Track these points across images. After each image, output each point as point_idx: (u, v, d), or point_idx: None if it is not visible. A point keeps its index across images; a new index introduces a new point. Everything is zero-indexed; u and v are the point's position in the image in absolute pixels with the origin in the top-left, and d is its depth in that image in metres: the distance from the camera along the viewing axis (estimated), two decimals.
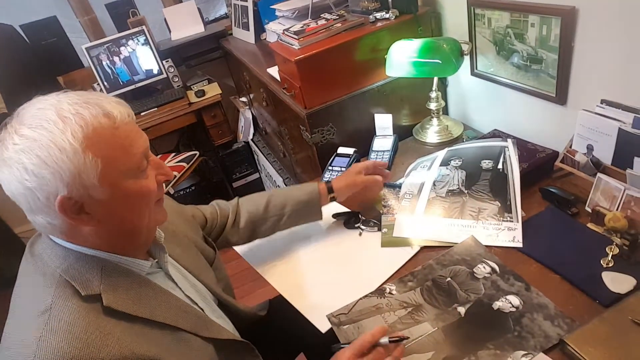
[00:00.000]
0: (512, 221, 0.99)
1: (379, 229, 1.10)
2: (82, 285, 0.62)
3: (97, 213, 0.62)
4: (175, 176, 2.34)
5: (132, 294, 0.67)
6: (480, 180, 1.09)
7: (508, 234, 0.97)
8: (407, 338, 0.76)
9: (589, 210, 0.97)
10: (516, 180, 1.04)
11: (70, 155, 0.57)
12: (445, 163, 1.18)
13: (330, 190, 1.07)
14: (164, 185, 0.73)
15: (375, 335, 0.73)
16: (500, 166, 1.09)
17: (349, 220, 1.14)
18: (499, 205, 1.03)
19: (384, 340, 0.73)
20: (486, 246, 0.97)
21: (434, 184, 1.13)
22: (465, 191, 1.08)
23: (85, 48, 2.32)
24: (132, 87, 2.44)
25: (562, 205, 1.01)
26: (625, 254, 0.86)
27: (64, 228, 0.62)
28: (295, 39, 1.32)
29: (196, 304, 0.80)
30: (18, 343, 0.59)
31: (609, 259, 0.85)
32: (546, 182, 1.10)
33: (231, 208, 1.06)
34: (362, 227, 1.12)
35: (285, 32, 1.39)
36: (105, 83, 2.39)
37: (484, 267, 0.92)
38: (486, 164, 1.12)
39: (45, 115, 0.58)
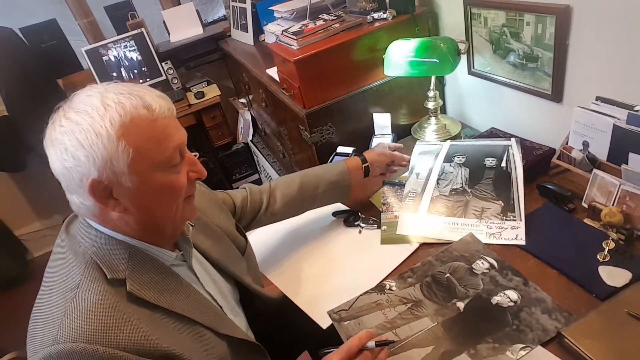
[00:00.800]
0: (515, 220, 1.00)
1: (379, 227, 1.11)
2: (109, 269, 0.65)
3: (124, 200, 0.64)
4: None
5: (155, 282, 0.69)
6: (483, 179, 1.10)
7: (511, 232, 0.98)
8: (393, 342, 0.77)
9: (586, 205, 0.98)
10: (519, 179, 1.06)
11: (104, 141, 0.60)
12: (448, 160, 1.19)
13: (363, 160, 1.12)
14: (196, 183, 0.74)
15: (362, 339, 0.74)
16: (503, 164, 1.11)
17: (348, 218, 1.15)
18: (502, 204, 1.04)
19: (371, 344, 0.74)
20: (487, 244, 0.98)
21: (437, 183, 1.14)
22: (469, 190, 1.09)
23: (85, 51, 2.33)
24: None
25: (559, 202, 1.02)
26: (621, 248, 0.87)
27: (94, 211, 0.65)
28: (294, 39, 1.33)
29: (215, 300, 0.81)
30: (45, 317, 0.62)
31: (605, 253, 0.87)
32: (543, 178, 1.11)
33: (265, 193, 1.07)
34: (362, 224, 1.13)
35: (284, 33, 1.40)
36: None
37: (482, 263, 0.93)
38: (490, 161, 1.13)
39: (91, 101, 0.62)
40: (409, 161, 1.21)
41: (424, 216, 1.08)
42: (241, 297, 0.92)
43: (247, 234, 1.13)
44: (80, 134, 0.59)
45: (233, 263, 0.88)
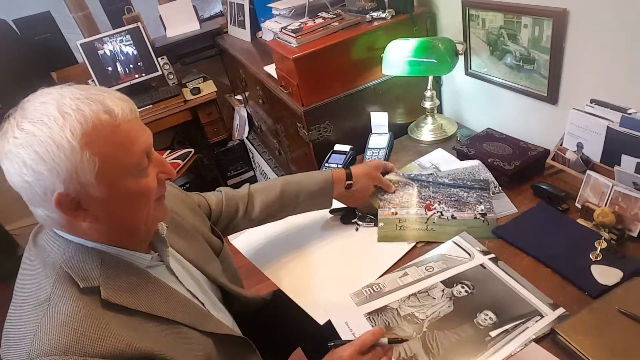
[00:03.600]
0: None
1: (376, 225, 1.12)
2: (81, 278, 0.63)
3: (95, 210, 0.62)
4: None
5: (131, 287, 0.67)
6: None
7: None
8: (407, 340, 0.79)
9: (579, 206, 1.00)
10: None
11: (67, 153, 0.56)
12: (450, 283, 0.91)
13: (349, 176, 1.07)
14: (165, 183, 0.72)
15: (375, 334, 0.75)
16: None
17: (346, 216, 1.16)
18: None
19: (383, 340, 0.75)
20: (480, 240, 1.00)
21: (409, 297, 0.91)
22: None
23: (80, 44, 2.30)
24: (127, 83, 2.43)
25: (553, 202, 1.04)
26: (613, 248, 0.89)
27: (62, 222, 0.63)
28: (293, 37, 1.34)
29: (197, 297, 0.81)
30: (17, 332, 0.60)
31: (598, 252, 0.89)
32: (538, 179, 1.13)
33: (241, 199, 1.04)
34: (359, 222, 1.14)
35: (283, 30, 1.40)
36: (100, 80, 2.37)
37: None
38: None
39: (46, 109, 0.58)
40: (395, 191, 1.14)
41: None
42: (224, 294, 0.92)
43: (240, 233, 1.13)
44: (39, 146, 0.56)
45: (207, 263, 0.88)
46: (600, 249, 0.89)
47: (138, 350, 0.62)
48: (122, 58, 2.40)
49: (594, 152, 1.00)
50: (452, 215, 1.08)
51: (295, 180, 1.07)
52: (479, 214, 1.07)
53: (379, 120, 1.43)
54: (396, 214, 1.11)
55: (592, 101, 1.00)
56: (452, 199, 1.11)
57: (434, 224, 1.07)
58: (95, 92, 0.61)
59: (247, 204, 1.04)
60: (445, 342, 0.80)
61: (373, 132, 1.45)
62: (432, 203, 1.11)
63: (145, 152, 0.65)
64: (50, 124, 0.57)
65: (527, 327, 0.79)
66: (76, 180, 0.58)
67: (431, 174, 1.21)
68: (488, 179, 1.14)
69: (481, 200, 1.09)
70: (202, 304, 0.82)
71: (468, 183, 1.14)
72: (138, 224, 0.68)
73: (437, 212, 1.09)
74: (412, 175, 1.18)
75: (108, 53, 2.37)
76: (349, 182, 1.07)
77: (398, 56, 1.29)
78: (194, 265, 0.85)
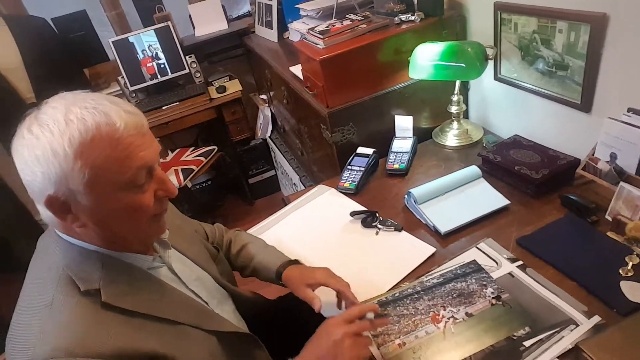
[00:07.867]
0: None
1: (396, 229, 1.11)
2: (82, 281, 0.65)
3: (83, 216, 0.64)
4: (193, 170, 2.38)
5: (131, 289, 0.69)
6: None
7: None
8: (391, 316, 0.85)
9: (609, 218, 0.96)
10: None
11: (60, 160, 0.59)
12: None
13: (279, 274, 0.99)
14: (166, 200, 0.73)
15: (363, 310, 0.79)
16: None
17: (366, 219, 1.16)
18: None
19: (370, 315, 0.80)
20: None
21: None
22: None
23: (112, 42, 2.38)
24: (155, 81, 2.49)
25: (581, 213, 1.01)
26: None
27: (56, 222, 0.66)
28: (320, 38, 1.34)
29: (200, 297, 0.82)
30: (20, 336, 0.61)
31: (629, 268, 0.85)
32: (567, 189, 1.09)
33: (229, 233, 1.11)
34: (380, 226, 1.13)
35: (310, 32, 1.41)
36: (129, 76, 2.44)
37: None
38: None
39: (54, 114, 0.60)
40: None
41: None
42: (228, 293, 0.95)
43: (260, 233, 1.15)
44: (39, 149, 0.59)
45: (207, 264, 0.90)
46: (632, 265, 0.85)
47: (140, 350, 0.63)
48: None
49: (629, 163, 0.96)
50: (467, 313, 0.87)
51: (261, 246, 1.08)
52: (492, 298, 0.89)
53: (404, 123, 1.41)
54: (404, 344, 0.85)
55: (629, 110, 0.96)
56: (453, 295, 0.91)
57: (453, 333, 0.84)
58: (104, 103, 0.63)
59: (231, 243, 1.09)
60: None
61: (397, 135, 1.44)
62: (437, 312, 0.89)
63: (145, 169, 0.65)
64: (53, 130, 0.59)
65: (563, 337, 0.77)
66: (65, 186, 0.60)
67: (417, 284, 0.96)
68: (472, 258, 0.98)
69: (484, 283, 0.92)
70: (206, 303, 0.83)
71: (458, 271, 0.96)
72: (128, 237, 0.69)
73: (449, 318, 0.88)
74: (396, 295, 0.95)
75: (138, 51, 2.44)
76: (280, 282, 1.00)
77: (426, 60, 1.28)
78: (197, 265, 0.87)
